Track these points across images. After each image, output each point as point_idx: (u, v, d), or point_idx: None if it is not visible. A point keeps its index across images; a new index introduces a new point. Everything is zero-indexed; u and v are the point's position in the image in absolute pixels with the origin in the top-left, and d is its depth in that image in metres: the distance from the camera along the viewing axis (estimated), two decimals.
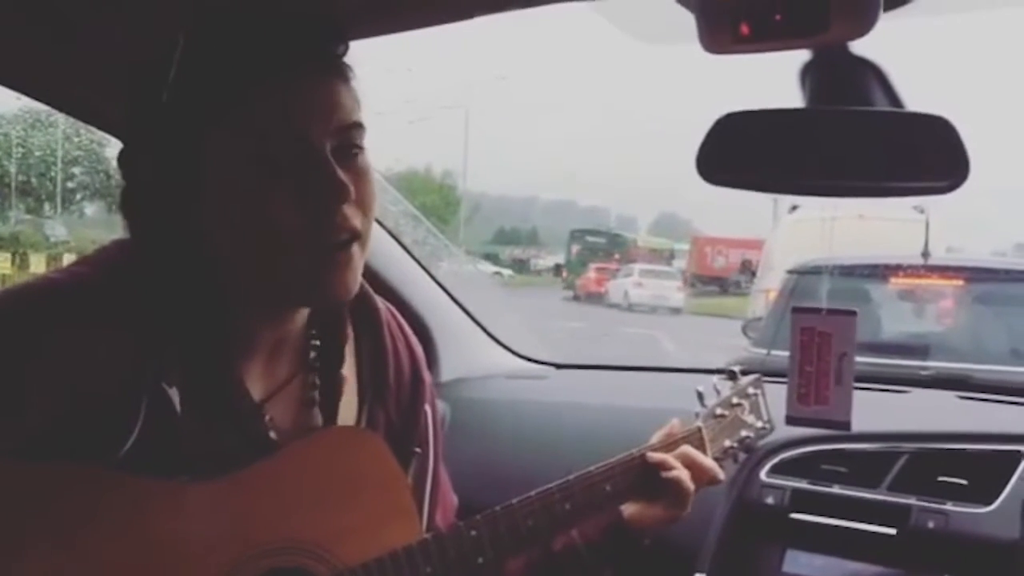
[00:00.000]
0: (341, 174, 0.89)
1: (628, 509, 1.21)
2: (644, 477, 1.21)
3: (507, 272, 28.15)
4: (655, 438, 1.27)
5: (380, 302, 1.12)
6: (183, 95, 0.88)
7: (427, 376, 1.16)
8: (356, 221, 0.92)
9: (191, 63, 0.88)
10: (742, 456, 1.39)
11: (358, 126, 0.94)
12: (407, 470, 1.07)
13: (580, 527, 1.19)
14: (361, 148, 0.94)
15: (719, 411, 1.35)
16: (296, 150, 0.88)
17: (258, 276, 0.92)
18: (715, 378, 1.39)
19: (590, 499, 1.15)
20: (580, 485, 1.14)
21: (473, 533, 1.03)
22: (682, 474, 1.21)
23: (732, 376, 1.40)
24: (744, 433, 1.36)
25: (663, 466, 1.21)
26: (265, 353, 0.99)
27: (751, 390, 1.39)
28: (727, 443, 1.34)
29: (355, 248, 0.93)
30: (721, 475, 1.27)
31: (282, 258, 0.89)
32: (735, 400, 1.37)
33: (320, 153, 0.89)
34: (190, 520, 0.87)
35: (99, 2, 0.98)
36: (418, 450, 1.10)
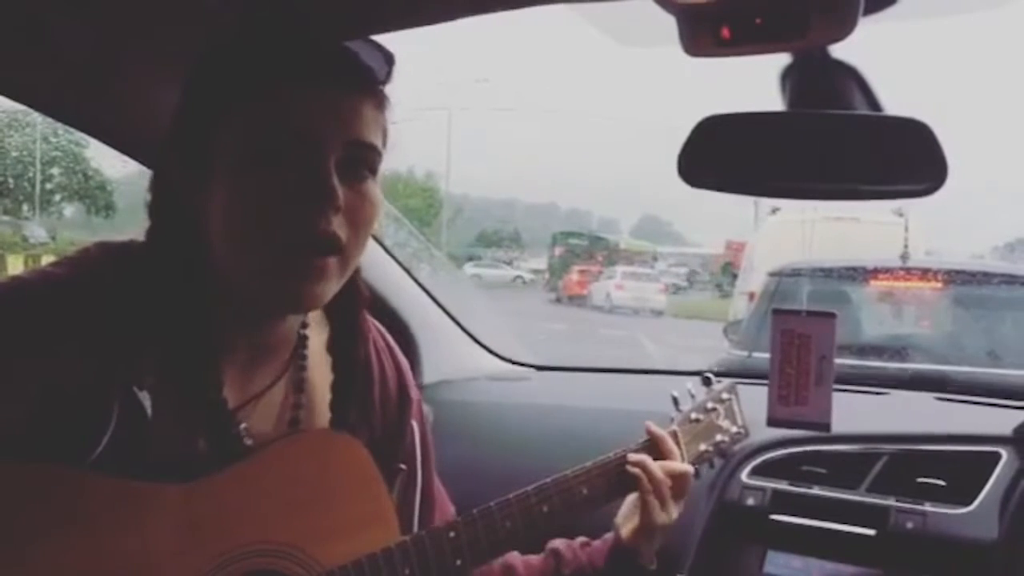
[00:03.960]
0: (336, 181, 0.89)
1: (623, 531, 1.22)
2: (620, 480, 1.22)
3: (484, 273, 28.20)
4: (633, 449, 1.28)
5: (367, 317, 1.12)
6: (202, 88, 0.92)
7: (414, 393, 1.16)
8: (341, 232, 0.90)
9: (214, 58, 0.92)
10: (718, 461, 1.39)
11: (372, 149, 0.94)
12: (392, 487, 1.06)
13: (587, 553, 1.22)
14: (370, 172, 0.94)
15: (694, 416, 1.35)
16: (298, 147, 0.89)
17: (240, 271, 0.92)
18: (689, 383, 1.40)
19: (567, 502, 1.15)
20: (556, 488, 1.15)
21: (451, 535, 1.04)
22: (654, 468, 1.22)
23: (707, 381, 1.41)
24: (719, 438, 1.37)
25: (638, 466, 1.22)
26: (247, 359, 0.99)
27: (725, 395, 1.40)
28: (702, 447, 1.35)
29: (332, 260, 0.91)
30: (690, 470, 1.28)
31: (259, 251, 0.89)
32: (710, 405, 1.37)
33: (321, 156, 0.89)
34: (165, 522, 0.87)
35: (73, 4, 0.97)
36: (403, 467, 1.10)
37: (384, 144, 0.96)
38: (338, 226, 0.90)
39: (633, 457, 1.23)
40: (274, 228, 0.88)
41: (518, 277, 27.14)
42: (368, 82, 0.94)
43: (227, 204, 0.90)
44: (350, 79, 0.93)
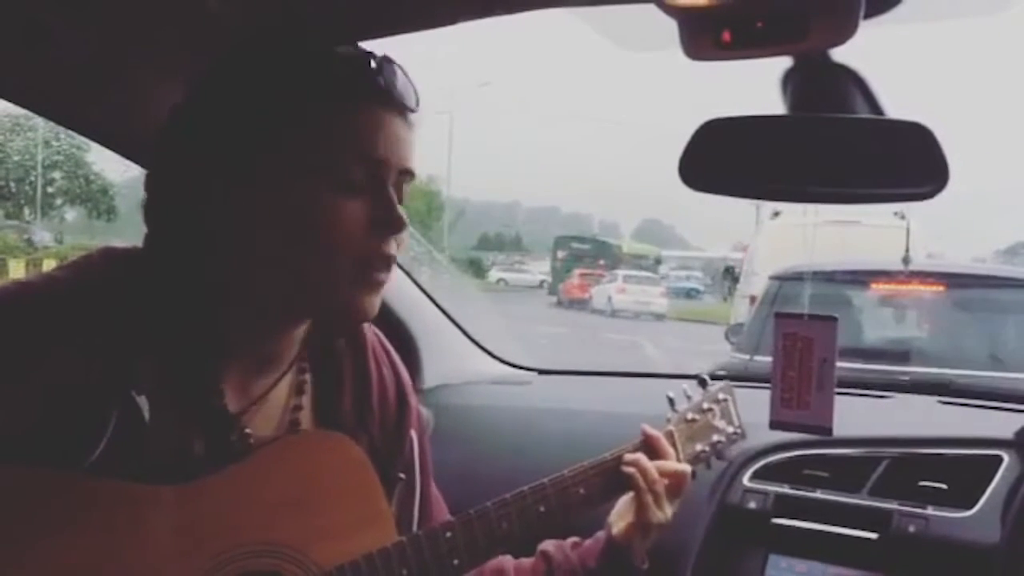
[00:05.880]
0: (400, 208, 0.94)
1: (615, 528, 1.22)
2: (616, 480, 1.22)
3: (509, 277, 28.30)
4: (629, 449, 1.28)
5: (366, 326, 1.12)
6: (265, 99, 0.91)
7: (413, 401, 1.16)
8: (395, 251, 0.96)
9: (263, 76, 0.92)
10: (715, 461, 1.39)
11: (411, 173, 0.97)
12: (391, 495, 1.06)
13: (578, 554, 1.22)
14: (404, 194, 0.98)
15: (690, 416, 1.35)
16: (369, 172, 0.92)
17: (297, 287, 0.93)
18: (685, 384, 1.40)
19: (563, 502, 1.15)
20: (553, 488, 1.15)
21: (448, 535, 1.04)
22: (649, 467, 1.22)
23: (703, 383, 1.41)
24: (716, 438, 1.37)
25: (634, 465, 1.22)
26: (252, 364, 0.99)
27: (721, 396, 1.40)
28: (699, 447, 1.35)
29: (387, 275, 0.96)
30: (686, 469, 1.27)
31: (333, 273, 0.92)
32: (706, 405, 1.37)
33: (385, 182, 0.93)
34: (162, 524, 0.87)
35: (73, 7, 0.97)
36: (403, 476, 1.10)
37: None
38: (395, 246, 0.95)
39: (629, 457, 1.23)
40: (344, 248, 0.91)
41: (544, 281, 27.24)
42: (415, 108, 0.97)
43: (286, 222, 0.91)
44: (408, 105, 0.95)
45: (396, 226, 0.93)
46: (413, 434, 1.13)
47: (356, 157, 0.91)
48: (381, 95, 0.92)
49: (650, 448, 1.26)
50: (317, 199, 0.90)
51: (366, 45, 0.98)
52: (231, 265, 0.94)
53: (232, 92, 0.93)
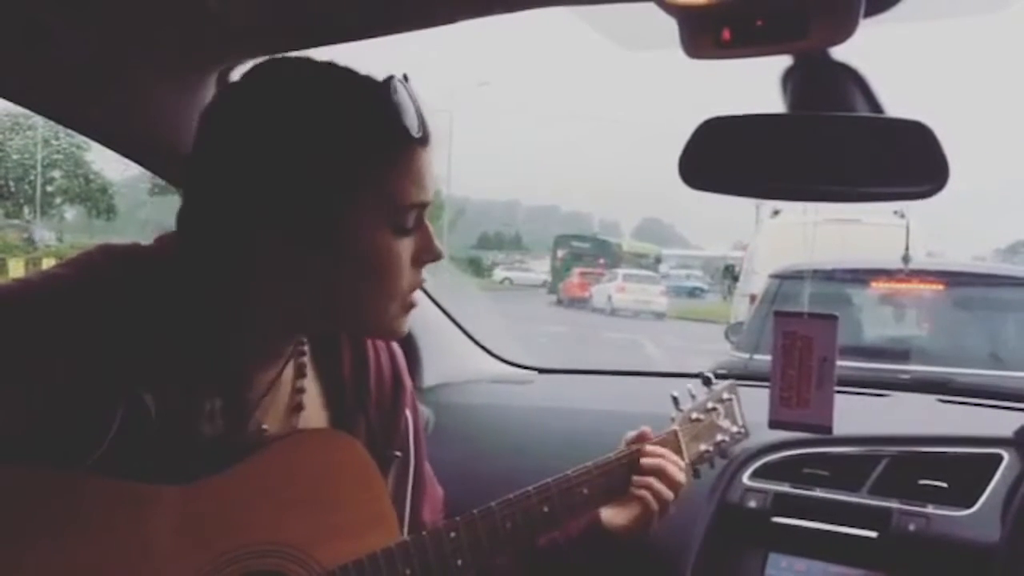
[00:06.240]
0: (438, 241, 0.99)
1: (604, 511, 1.22)
2: (620, 480, 1.22)
3: (515, 276, 28.34)
4: (625, 441, 1.28)
5: None
6: (331, 148, 0.90)
7: (408, 381, 1.17)
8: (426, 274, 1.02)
9: (327, 116, 0.90)
10: (718, 461, 1.39)
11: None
12: (387, 473, 1.07)
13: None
14: None
15: (694, 415, 1.35)
16: (416, 215, 0.96)
17: (341, 310, 0.97)
18: (690, 383, 1.40)
19: (567, 502, 1.16)
20: (558, 488, 1.15)
21: (452, 535, 1.04)
22: (654, 479, 1.22)
23: (707, 382, 1.40)
24: (720, 438, 1.37)
25: (647, 488, 1.22)
26: (261, 363, 1.00)
27: (726, 395, 1.40)
28: (703, 447, 1.35)
29: (417, 296, 1.03)
30: (683, 478, 1.27)
31: (383, 304, 0.97)
32: (710, 405, 1.37)
33: (423, 217, 0.98)
34: (166, 523, 0.87)
35: (73, 7, 0.97)
36: (398, 454, 1.11)
37: None
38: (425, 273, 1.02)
39: (638, 479, 1.23)
40: (397, 283, 0.96)
41: (547, 281, 27.27)
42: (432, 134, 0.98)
43: (345, 253, 0.93)
44: (432, 136, 0.96)
45: (437, 258, 1.00)
46: (408, 413, 1.15)
47: (412, 203, 0.94)
48: (421, 134, 0.94)
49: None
50: (375, 240, 0.93)
51: (365, 46, 0.98)
52: (263, 278, 0.94)
53: (283, 135, 0.90)
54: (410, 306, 1.01)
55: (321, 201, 0.90)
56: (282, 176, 0.89)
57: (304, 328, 1.02)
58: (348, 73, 0.94)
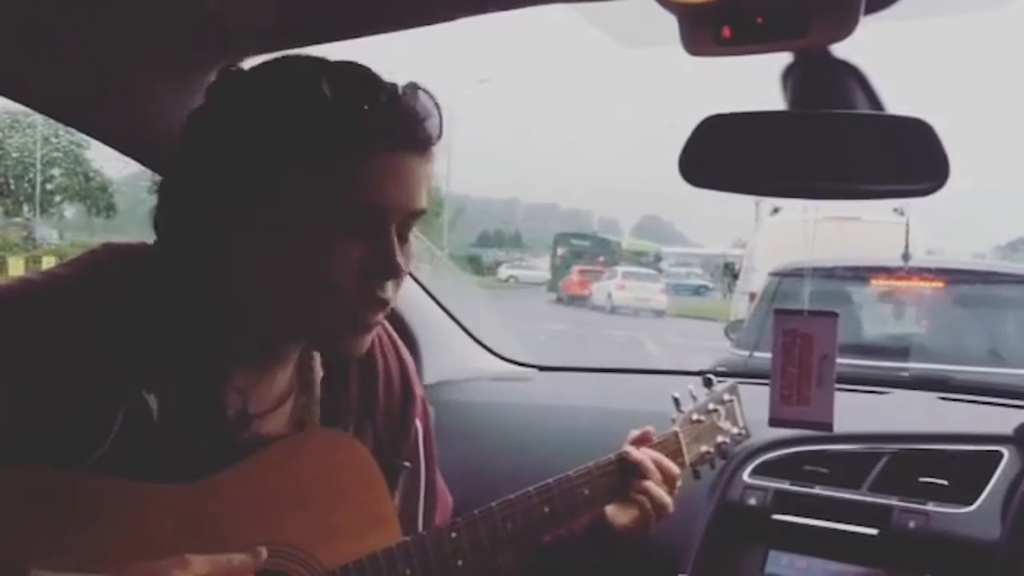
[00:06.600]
0: (399, 254, 0.92)
1: (608, 508, 1.22)
2: (622, 480, 1.22)
3: (519, 274, 28.34)
4: (629, 440, 1.28)
5: None
6: (278, 138, 0.88)
7: (418, 390, 1.16)
8: (391, 294, 0.94)
9: (271, 113, 0.89)
10: (719, 462, 1.39)
11: (422, 212, 0.96)
12: (395, 484, 1.06)
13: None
14: (413, 234, 0.97)
15: (695, 416, 1.35)
16: (371, 218, 0.90)
17: (293, 314, 0.93)
18: (690, 384, 1.39)
19: (569, 502, 1.15)
20: (559, 488, 1.15)
21: (453, 536, 1.04)
22: (654, 482, 1.22)
23: (708, 382, 1.40)
24: (720, 439, 1.37)
25: (641, 469, 1.22)
26: (263, 366, 0.99)
27: (727, 396, 1.40)
28: (703, 448, 1.35)
29: (380, 316, 0.95)
30: (676, 471, 1.27)
31: (322, 312, 0.92)
32: (711, 406, 1.37)
33: (387, 227, 0.91)
34: (168, 522, 0.87)
35: (73, 7, 0.97)
36: (407, 464, 1.10)
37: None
38: (391, 289, 0.94)
39: (640, 484, 1.22)
40: (334, 290, 0.90)
41: (548, 279, 27.29)
42: (429, 143, 0.94)
43: (282, 256, 0.90)
44: (416, 142, 0.92)
45: (392, 273, 0.92)
46: (418, 423, 1.14)
47: (358, 204, 0.89)
48: (392, 137, 0.90)
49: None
50: (312, 242, 0.89)
51: (362, 44, 0.98)
52: (233, 287, 0.94)
53: (239, 125, 0.90)
54: (365, 325, 0.94)
55: (266, 190, 0.89)
56: (231, 161, 0.89)
57: (278, 337, 0.99)
58: (328, 67, 0.91)
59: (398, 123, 0.90)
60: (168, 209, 0.95)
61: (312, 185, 0.88)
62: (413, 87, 0.93)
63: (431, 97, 0.94)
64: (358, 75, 0.91)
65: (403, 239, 0.94)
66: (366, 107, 0.89)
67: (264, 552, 0.87)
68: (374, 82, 0.91)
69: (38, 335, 0.87)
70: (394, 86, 0.92)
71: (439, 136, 0.95)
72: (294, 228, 0.89)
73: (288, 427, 1.01)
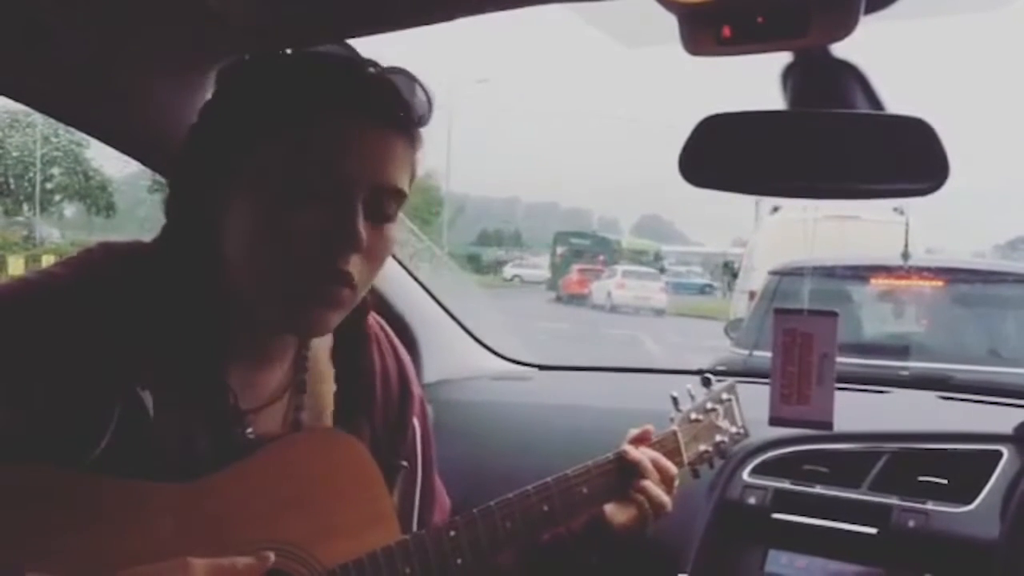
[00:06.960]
0: (361, 225, 0.90)
1: (607, 507, 1.22)
2: (620, 479, 1.22)
3: (523, 273, 28.38)
4: (627, 439, 1.28)
5: (371, 317, 1.12)
6: (243, 107, 0.91)
7: (416, 390, 1.16)
8: (355, 270, 0.92)
9: (258, 78, 0.92)
10: (718, 461, 1.40)
11: (399, 193, 0.95)
12: (393, 483, 1.07)
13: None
14: (393, 216, 0.96)
15: (694, 416, 1.35)
16: (331, 185, 0.89)
17: (253, 290, 0.93)
18: (689, 384, 1.40)
19: (567, 501, 1.16)
20: (557, 487, 1.15)
21: (452, 534, 1.04)
22: (652, 482, 1.22)
23: (706, 382, 1.40)
24: (719, 438, 1.37)
25: (639, 469, 1.22)
26: (253, 362, 0.99)
27: (725, 395, 1.40)
28: (702, 448, 1.35)
29: (345, 292, 0.93)
30: (673, 471, 1.27)
31: (276, 277, 0.91)
32: (709, 405, 1.37)
33: (351, 197, 0.90)
34: (166, 521, 0.87)
35: (73, 7, 0.97)
36: (405, 464, 1.10)
37: (411, 184, 0.97)
38: (355, 264, 0.92)
39: (639, 483, 1.23)
40: (295, 259, 0.89)
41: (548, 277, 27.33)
42: (406, 121, 0.94)
43: (249, 226, 0.90)
44: (390, 117, 0.92)
45: (349, 242, 0.89)
46: (416, 422, 1.14)
47: (321, 170, 0.89)
48: (363, 107, 0.90)
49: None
50: (273, 208, 0.89)
51: (361, 44, 0.98)
52: (225, 268, 0.94)
53: (221, 100, 0.95)
54: (330, 298, 0.92)
55: (240, 159, 0.90)
56: (213, 134, 0.93)
57: (264, 313, 0.96)
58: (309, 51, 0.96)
59: (372, 96, 0.91)
60: (176, 185, 0.98)
61: (281, 152, 0.89)
62: (397, 69, 0.94)
63: (416, 81, 0.95)
64: (335, 50, 0.94)
65: (378, 218, 0.93)
66: (339, 77, 0.90)
67: (271, 556, 0.86)
68: (350, 57, 0.93)
69: (35, 334, 0.87)
70: (374, 63, 0.93)
71: (421, 119, 0.95)
72: (263, 196, 0.90)
73: (281, 426, 1.01)
